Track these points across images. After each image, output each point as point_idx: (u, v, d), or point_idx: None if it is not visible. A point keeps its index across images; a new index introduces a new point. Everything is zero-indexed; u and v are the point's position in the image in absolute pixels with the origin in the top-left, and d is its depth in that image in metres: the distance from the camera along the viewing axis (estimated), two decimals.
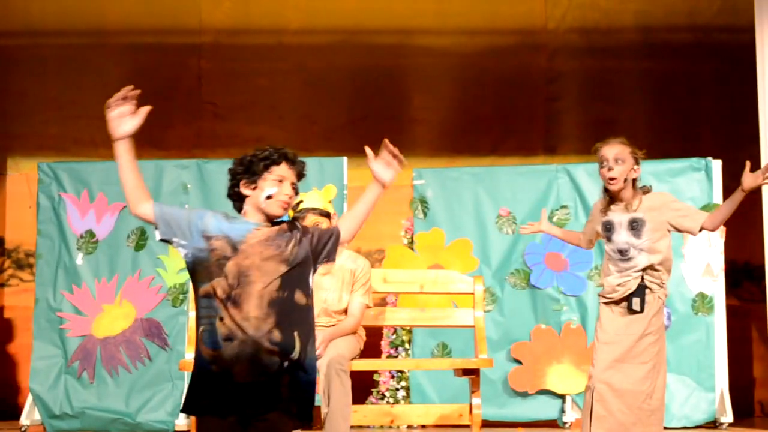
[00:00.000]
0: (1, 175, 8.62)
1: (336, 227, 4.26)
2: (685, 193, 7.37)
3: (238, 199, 4.07)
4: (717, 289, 7.32)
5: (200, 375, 3.95)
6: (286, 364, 3.92)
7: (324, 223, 5.69)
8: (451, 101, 8.70)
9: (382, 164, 4.21)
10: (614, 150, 5.08)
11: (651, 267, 5.03)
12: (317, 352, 5.53)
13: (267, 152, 4.04)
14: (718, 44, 8.58)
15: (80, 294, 7.47)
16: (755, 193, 7.21)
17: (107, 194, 7.55)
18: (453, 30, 8.71)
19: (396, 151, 4.13)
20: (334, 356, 5.48)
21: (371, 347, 6.72)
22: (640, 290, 5.03)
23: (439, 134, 8.69)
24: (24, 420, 7.39)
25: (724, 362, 7.28)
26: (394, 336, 7.48)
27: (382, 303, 7.31)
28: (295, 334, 3.98)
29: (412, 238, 7.59)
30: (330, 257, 4.21)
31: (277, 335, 3.92)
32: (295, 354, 3.95)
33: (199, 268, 3.96)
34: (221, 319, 3.92)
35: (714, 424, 7.23)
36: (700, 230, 5.09)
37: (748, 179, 5.03)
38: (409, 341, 7.47)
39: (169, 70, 8.73)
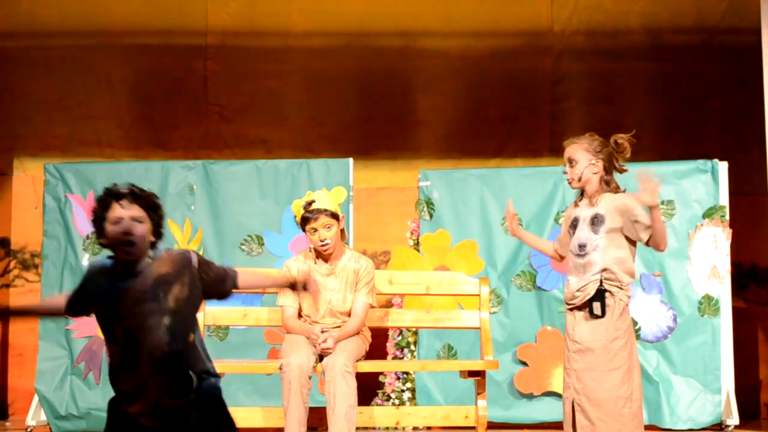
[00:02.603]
0: (6, 176, 8.62)
1: (234, 272, 4.11)
2: (691, 195, 7.37)
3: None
4: (723, 291, 7.31)
5: (115, 414, 3.96)
6: (188, 403, 3.91)
7: (334, 226, 5.68)
8: (456, 103, 8.70)
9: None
10: (567, 152, 5.14)
11: (607, 270, 4.98)
12: (328, 347, 5.53)
13: (98, 199, 3.93)
14: (724, 46, 8.57)
15: None
16: (761, 196, 7.23)
17: None
18: (459, 32, 8.70)
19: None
20: (339, 358, 5.48)
21: (377, 349, 6.72)
22: (600, 294, 4.96)
23: (445, 136, 8.68)
24: (30, 421, 7.39)
25: (730, 364, 7.26)
26: (400, 337, 7.48)
27: (388, 304, 7.30)
28: (190, 372, 3.93)
29: (417, 239, 7.58)
30: (223, 297, 4.13)
31: (174, 385, 3.89)
32: (192, 389, 3.92)
33: (102, 330, 4.00)
34: (124, 379, 3.90)
35: (720, 426, 7.22)
36: (647, 243, 5.02)
37: (644, 195, 4.93)
38: (415, 343, 7.47)
39: (175, 72, 8.73)
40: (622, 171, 5.11)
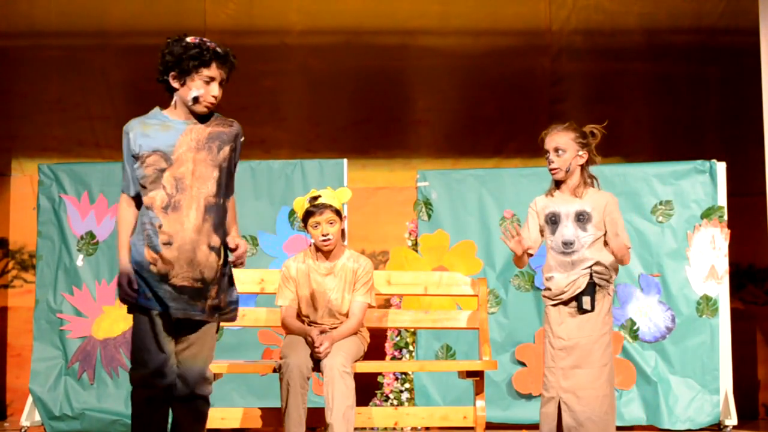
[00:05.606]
0: (5, 177, 8.62)
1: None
2: (689, 196, 7.36)
3: (167, 89, 4.12)
4: (721, 291, 7.30)
5: (139, 274, 4.04)
6: (220, 269, 4.09)
7: (337, 223, 5.70)
8: (454, 103, 8.69)
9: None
10: (554, 141, 5.00)
11: (598, 263, 4.93)
12: (326, 350, 5.53)
13: (196, 50, 4.03)
14: (722, 47, 8.57)
15: (80, 295, 7.47)
16: (760, 196, 7.22)
17: (107, 196, 7.54)
18: (457, 31, 8.70)
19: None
20: (337, 358, 5.46)
21: (375, 349, 6.71)
22: (590, 288, 4.88)
23: (443, 136, 8.67)
24: (24, 421, 7.38)
25: (728, 365, 7.25)
26: (398, 338, 7.47)
27: (386, 305, 7.30)
28: (226, 239, 4.15)
29: (416, 240, 7.57)
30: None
31: (215, 239, 4.06)
32: (223, 257, 4.12)
33: (142, 183, 4.07)
34: (160, 226, 4.01)
35: (718, 426, 7.21)
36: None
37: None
38: (413, 343, 7.46)
39: None
40: (595, 162, 5.09)
